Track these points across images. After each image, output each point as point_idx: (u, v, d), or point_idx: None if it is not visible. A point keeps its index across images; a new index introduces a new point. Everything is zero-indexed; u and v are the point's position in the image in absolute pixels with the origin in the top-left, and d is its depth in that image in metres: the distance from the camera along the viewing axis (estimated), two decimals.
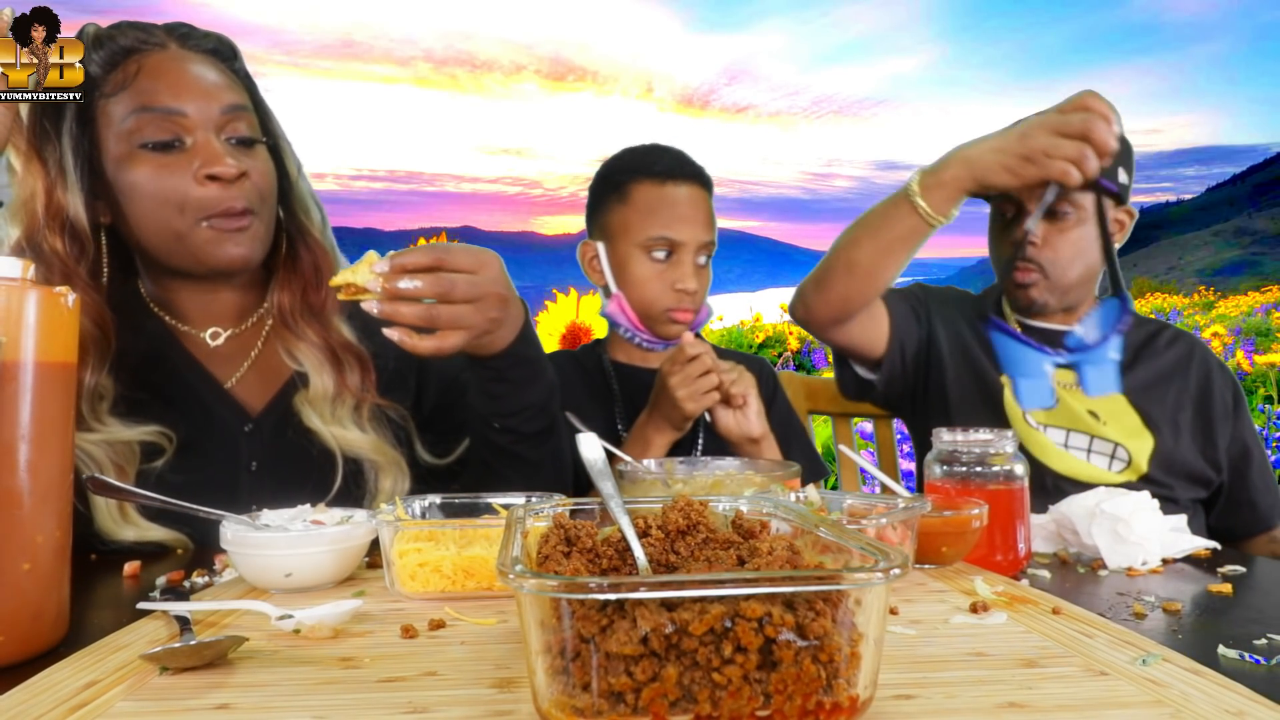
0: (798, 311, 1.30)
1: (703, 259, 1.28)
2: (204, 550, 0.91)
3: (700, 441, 1.25)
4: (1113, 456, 1.31)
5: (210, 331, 1.00)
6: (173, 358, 0.97)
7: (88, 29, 0.90)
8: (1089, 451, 1.32)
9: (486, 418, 0.93)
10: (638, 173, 1.27)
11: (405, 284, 0.77)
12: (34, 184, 0.88)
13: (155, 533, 0.91)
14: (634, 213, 1.25)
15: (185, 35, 0.94)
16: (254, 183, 0.93)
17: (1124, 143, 1.33)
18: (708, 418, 1.20)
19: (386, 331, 0.79)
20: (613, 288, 1.28)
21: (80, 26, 0.91)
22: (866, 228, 1.19)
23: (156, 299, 1.01)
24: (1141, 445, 1.31)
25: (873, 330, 1.32)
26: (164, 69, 0.90)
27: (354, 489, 0.97)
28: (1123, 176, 1.32)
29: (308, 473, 0.95)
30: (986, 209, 1.36)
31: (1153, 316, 2.06)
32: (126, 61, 0.89)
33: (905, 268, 1.18)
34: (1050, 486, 1.29)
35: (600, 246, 1.29)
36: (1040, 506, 0.98)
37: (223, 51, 0.97)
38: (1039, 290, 1.33)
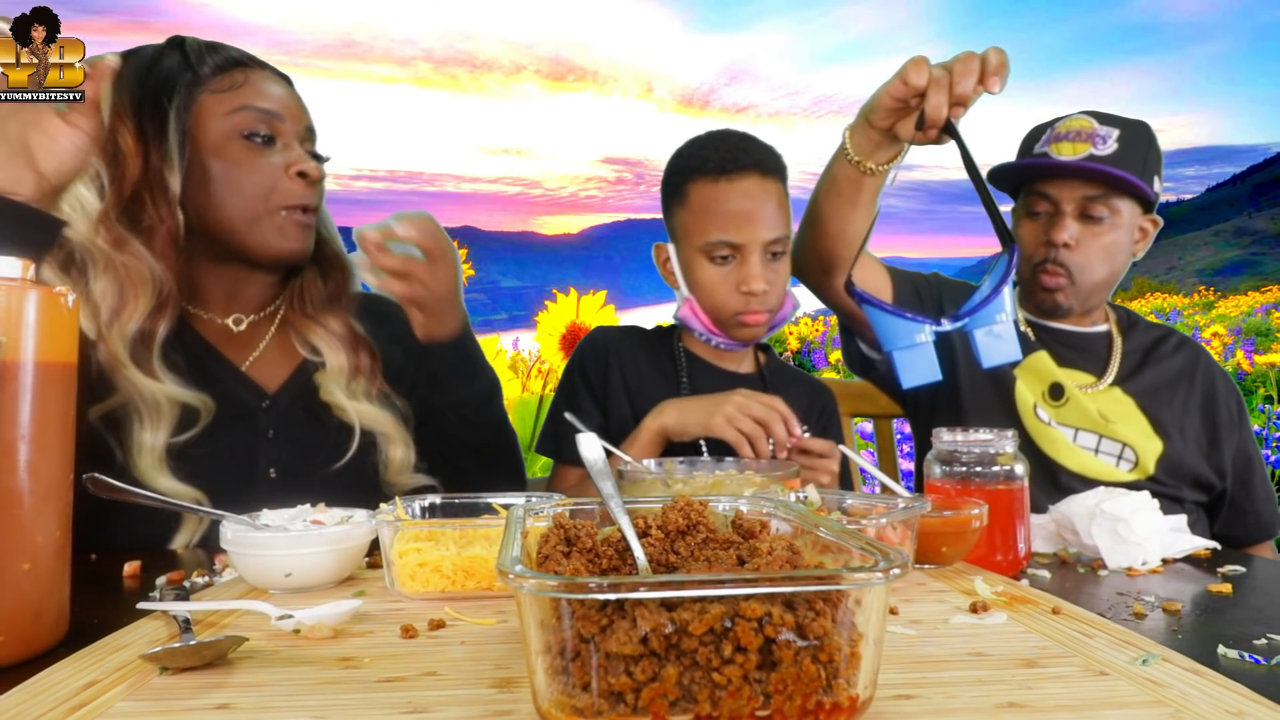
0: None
1: (775, 252, 1.21)
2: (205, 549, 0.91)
3: (704, 442, 1.24)
4: (1120, 457, 1.31)
5: (233, 318, 1.07)
6: (188, 342, 1.02)
7: (191, 43, 1.02)
8: (1096, 451, 1.32)
9: (443, 408, 1.09)
10: (693, 171, 1.21)
11: (400, 237, 0.97)
12: (129, 149, 0.95)
13: (185, 493, 0.93)
14: (692, 216, 1.21)
15: (265, 65, 1.07)
16: (321, 190, 1.07)
17: (1156, 151, 1.34)
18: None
19: (367, 278, 0.99)
20: (684, 291, 1.25)
21: (80, 26, 0.91)
22: (820, 180, 1.19)
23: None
24: (1149, 447, 1.31)
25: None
26: (268, 84, 1.03)
27: (369, 457, 1.05)
28: (1157, 184, 1.33)
29: (322, 440, 1.03)
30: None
31: (1153, 318, 2.06)
32: (234, 70, 1.01)
33: (867, 222, 1.15)
34: (1063, 484, 1.29)
35: (671, 249, 1.27)
36: (1045, 506, 0.98)
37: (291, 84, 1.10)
38: (1065, 295, 1.33)
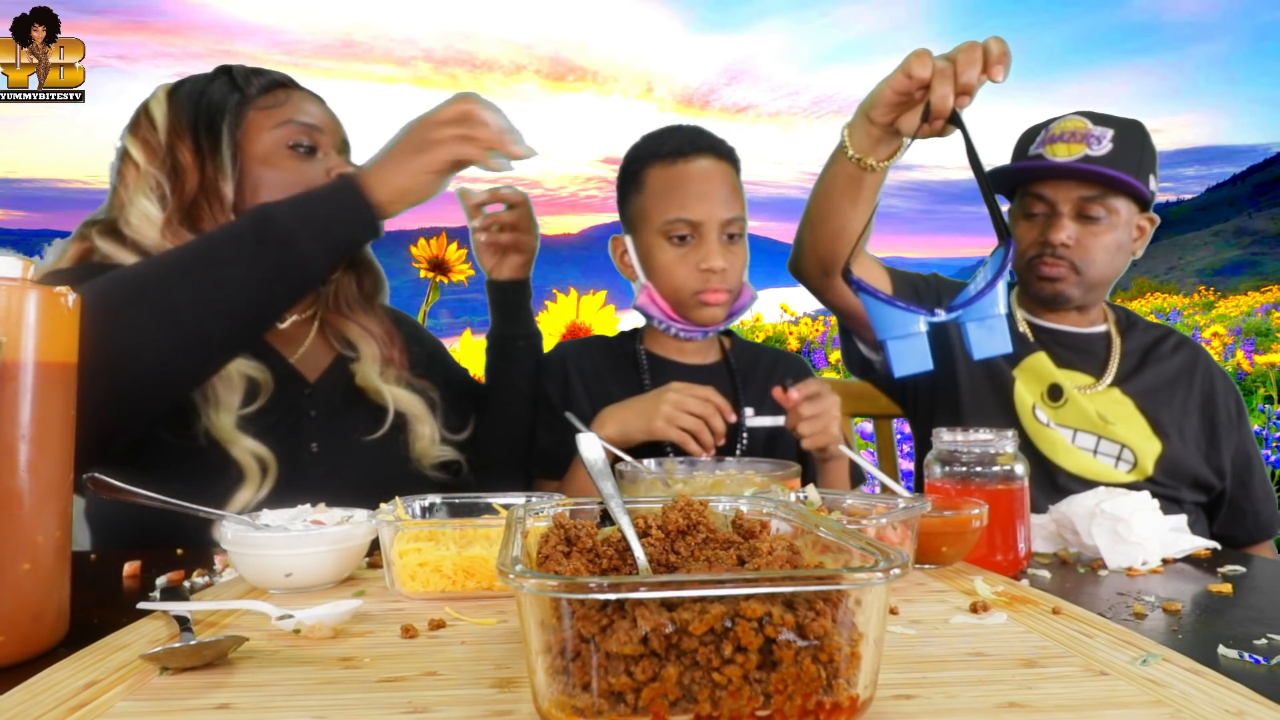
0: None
1: (732, 234, 1.22)
2: (203, 549, 0.91)
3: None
4: (1119, 458, 1.31)
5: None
6: None
7: (238, 69, 1.14)
8: (1095, 452, 1.32)
9: (514, 337, 1.29)
10: (651, 157, 1.24)
11: (504, 197, 1.22)
12: (187, 164, 1.06)
13: (256, 450, 1.01)
14: (650, 199, 1.23)
15: (301, 87, 1.19)
16: None
17: (1151, 150, 1.34)
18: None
19: (477, 238, 1.25)
20: (642, 279, 1.26)
21: (80, 26, 0.92)
22: (819, 179, 1.19)
23: None
24: (1148, 448, 1.31)
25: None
26: (307, 103, 1.15)
27: (400, 435, 1.16)
28: (1153, 183, 1.33)
29: (357, 420, 1.14)
30: (986, 209, 1.37)
31: (1153, 318, 2.06)
32: (277, 90, 1.13)
33: (865, 220, 1.14)
34: (1062, 485, 1.29)
35: (628, 240, 1.28)
36: (1045, 506, 0.98)
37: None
38: (1066, 284, 1.33)
